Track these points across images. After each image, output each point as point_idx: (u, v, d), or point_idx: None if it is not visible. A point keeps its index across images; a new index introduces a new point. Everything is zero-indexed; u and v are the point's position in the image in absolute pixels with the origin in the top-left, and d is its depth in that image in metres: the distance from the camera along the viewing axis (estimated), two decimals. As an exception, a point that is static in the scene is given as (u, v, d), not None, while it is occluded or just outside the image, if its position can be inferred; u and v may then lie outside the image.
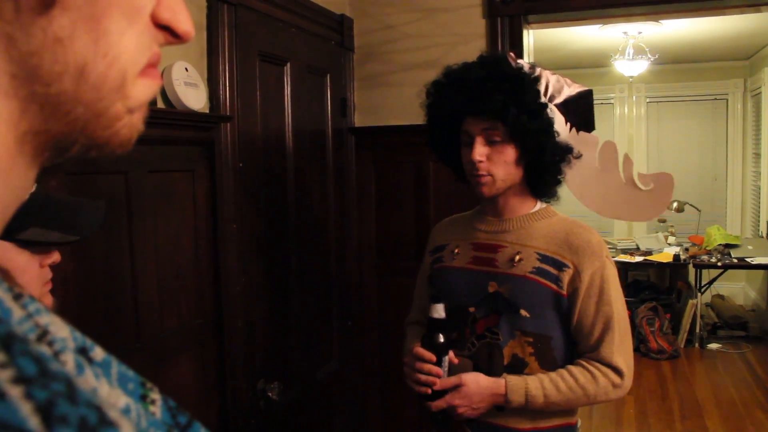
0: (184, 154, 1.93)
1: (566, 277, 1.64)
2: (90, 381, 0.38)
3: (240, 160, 2.11)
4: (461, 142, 1.71)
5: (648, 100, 7.67)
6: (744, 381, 5.24)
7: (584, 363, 1.64)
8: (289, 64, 2.42)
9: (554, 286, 1.64)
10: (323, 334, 2.75)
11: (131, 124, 0.44)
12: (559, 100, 1.73)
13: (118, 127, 0.43)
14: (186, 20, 0.44)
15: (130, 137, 0.44)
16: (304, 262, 2.54)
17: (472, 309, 1.72)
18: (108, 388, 0.40)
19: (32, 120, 0.39)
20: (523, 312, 1.65)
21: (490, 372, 1.66)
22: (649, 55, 5.82)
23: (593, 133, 1.84)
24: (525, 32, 2.78)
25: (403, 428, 2.94)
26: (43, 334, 0.36)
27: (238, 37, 2.10)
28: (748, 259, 5.92)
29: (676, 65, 7.27)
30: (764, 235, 6.41)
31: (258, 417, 2.20)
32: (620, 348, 1.64)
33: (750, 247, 6.13)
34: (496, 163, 1.64)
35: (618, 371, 1.63)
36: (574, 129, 1.76)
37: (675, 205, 6.70)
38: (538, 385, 1.60)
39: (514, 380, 1.61)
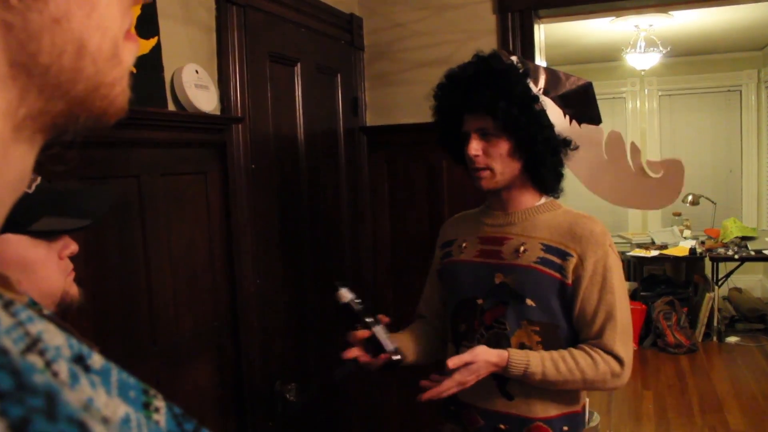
0: (196, 157, 1.93)
1: (570, 265, 1.67)
2: (85, 391, 0.36)
3: (252, 161, 2.11)
4: (462, 139, 1.76)
5: (660, 93, 7.61)
6: (764, 374, 5.19)
7: (587, 348, 1.67)
8: (299, 65, 2.41)
9: (558, 275, 1.68)
10: (339, 334, 2.74)
11: (124, 90, 0.44)
12: (555, 93, 1.77)
13: (115, 95, 0.43)
14: None
15: (125, 102, 0.44)
16: (318, 262, 2.54)
17: (480, 301, 1.76)
18: (106, 397, 0.38)
19: (31, 105, 0.39)
20: (529, 301, 1.69)
21: None
22: (661, 48, 5.77)
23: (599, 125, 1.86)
24: (536, 27, 2.76)
25: (420, 427, 2.92)
26: (34, 343, 0.35)
27: (247, 38, 2.09)
28: (766, 252, 5.86)
29: (688, 57, 7.21)
30: (781, 226, 6.35)
31: (275, 419, 2.20)
32: (622, 337, 1.67)
33: (767, 239, 6.06)
34: (493, 157, 1.70)
35: (619, 360, 1.66)
36: (575, 121, 1.79)
37: (690, 198, 6.64)
38: (538, 362, 1.62)
39: (516, 356, 1.63)
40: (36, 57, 0.38)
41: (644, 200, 1.98)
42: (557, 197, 1.83)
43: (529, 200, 1.78)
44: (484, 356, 1.63)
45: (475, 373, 1.63)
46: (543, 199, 1.79)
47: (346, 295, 1.66)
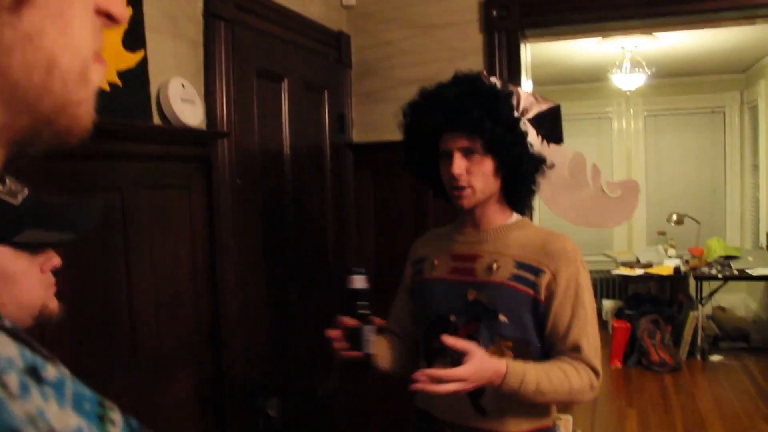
0: (181, 171, 1.93)
1: (543, 282, 1.70)
2: (35, 402, 0.37)
3: (237, 176, 2.11)
4: (440, 158, 1.78)
5: (646, 113, 7.69)
6: (747, 393, 5.22)
7: (569, 359, 1.68)
8: (286, 80, 2.42)
9: (531, 292, 1.70)
10: (323, 350, 2.72)
11: (90, 110, 0.44)
12: (530, 115, 1.81)
13: (80, 114, 0.43)
14: (121, 4, 0.45)
15: (89, 122, 0.45)
16: (302, 278, 2.53)
17: (453, 317, 1.77)
18: (57, 408, 0.38)
19: None
20: (502, 317, 1.71)
21: None
22: (646, 69, 5.84)
23: (563, 144, 1.93)
24: (522, 46, 2.78)
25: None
26: None
27: (234, 54, 2.10)
28: (749, 271, 5.91)
29: (673, 79, 7.29)
30: (764, 246, 6.41)
31: (257, 435, 2.18)
32: (595, 351, 1.70)
33: (750, 259, 6.12)
34: (475, 175, 1.72)
35: (597, 372, 1.68)
36: (545, 141, 1.85)
37: (675, 217, 6.70)
38: (533, 373, 1.61)
39: (514, 366, 1.60)
40: (6, 72, 0.38)
41: (601, 218, 2.06)
42: (527, 214, 1.87)
43: (501, 218, 1.81)
44: (481, 352, 1.58)
45: (478, 372, 1.54)
46: (514, 217, 1.83)
47: (355, 282, 1.68)
